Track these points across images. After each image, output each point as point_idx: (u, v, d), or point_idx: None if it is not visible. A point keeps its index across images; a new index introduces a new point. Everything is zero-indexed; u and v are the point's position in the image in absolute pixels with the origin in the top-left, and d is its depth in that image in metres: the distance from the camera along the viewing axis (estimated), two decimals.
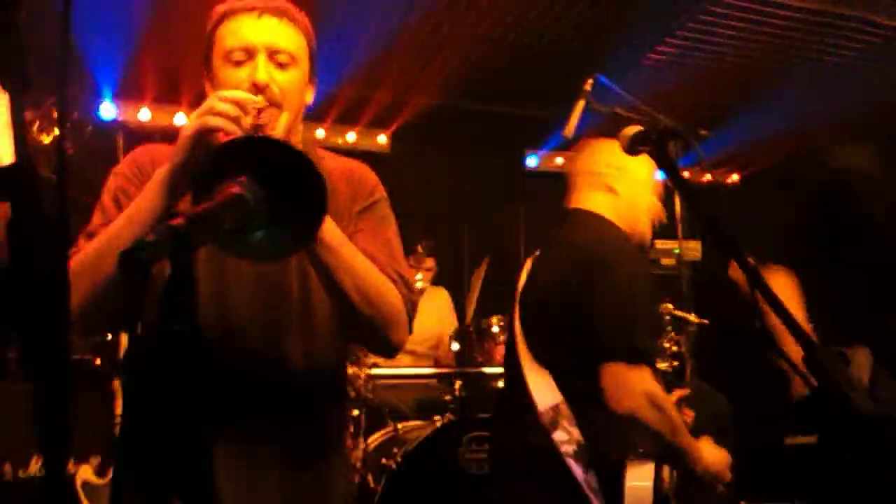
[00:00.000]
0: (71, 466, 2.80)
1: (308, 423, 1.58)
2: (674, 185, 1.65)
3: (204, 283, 1.49)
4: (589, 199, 2.26)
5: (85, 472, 2.86)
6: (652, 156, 1.65)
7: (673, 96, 5.18)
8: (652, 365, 1.96)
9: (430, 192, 5.46)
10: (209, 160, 1.12)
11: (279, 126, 1.42)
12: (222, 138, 1.33)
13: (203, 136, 1.36)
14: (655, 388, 1.90)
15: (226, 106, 1.34)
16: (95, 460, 2.94)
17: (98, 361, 3.42)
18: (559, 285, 2.08)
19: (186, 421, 0.83)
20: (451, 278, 5.02)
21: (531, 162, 6.32)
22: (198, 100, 5.02)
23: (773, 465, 3.92)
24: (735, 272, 4.39)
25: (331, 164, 1.71)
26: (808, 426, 3.78)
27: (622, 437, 1.98)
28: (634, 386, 1.87)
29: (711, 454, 2.03)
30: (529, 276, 2.26)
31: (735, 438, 4.07)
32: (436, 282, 4.89)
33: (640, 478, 1.97)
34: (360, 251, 1.52)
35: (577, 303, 2.00)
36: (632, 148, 1.75)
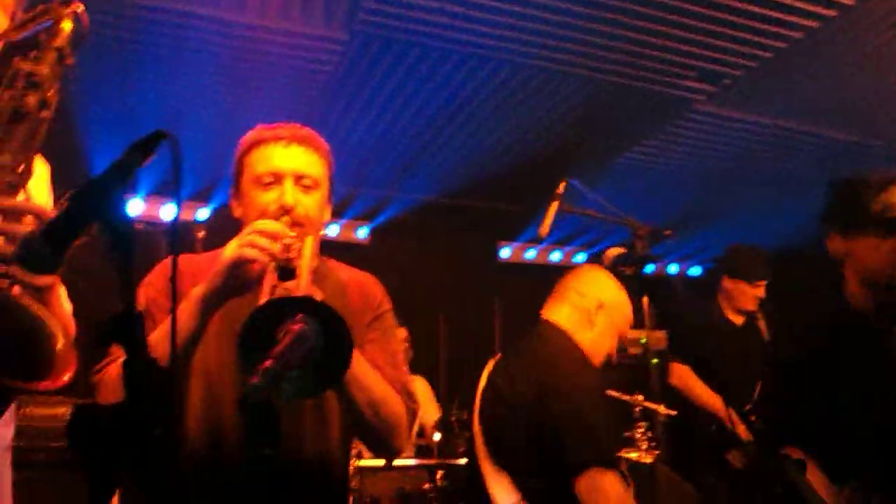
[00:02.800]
0: None
1: None
2: (650, 300, 1.88)
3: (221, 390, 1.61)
4: (561, 313, 2.39)
5: None
6: (631, 274, 1.88)
7: (640, 197, 5.52)
8: (618, 468, 2.16)
9: (407, 283, 5.62)
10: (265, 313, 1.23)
11: (305, 255, 1.55)
12: (256, 268, 1.50)
13: (240, 264, 1.51)
14: (624, 491, 2.13)
15: (263, 241, 1.51)
16: None
17: None
18: (517, 398, 2.25)
19: None
20: (428, 367, 5.15)
21: (504, 253, 6.60)
22: (195, 195, 5.19)
23: None
24: (675, 378, 4.50)
25: (343, 276, 1.87)
26: None
27: None
28: (609, 490, 2.09)
29: None
30: (488, 382, 2.41)
31: None
32: (413, 370, 5.03)
33: None
34: (369, 361, 1.68)
35: (534, 417, 2.19)
36: (614, 268, 2.00)
